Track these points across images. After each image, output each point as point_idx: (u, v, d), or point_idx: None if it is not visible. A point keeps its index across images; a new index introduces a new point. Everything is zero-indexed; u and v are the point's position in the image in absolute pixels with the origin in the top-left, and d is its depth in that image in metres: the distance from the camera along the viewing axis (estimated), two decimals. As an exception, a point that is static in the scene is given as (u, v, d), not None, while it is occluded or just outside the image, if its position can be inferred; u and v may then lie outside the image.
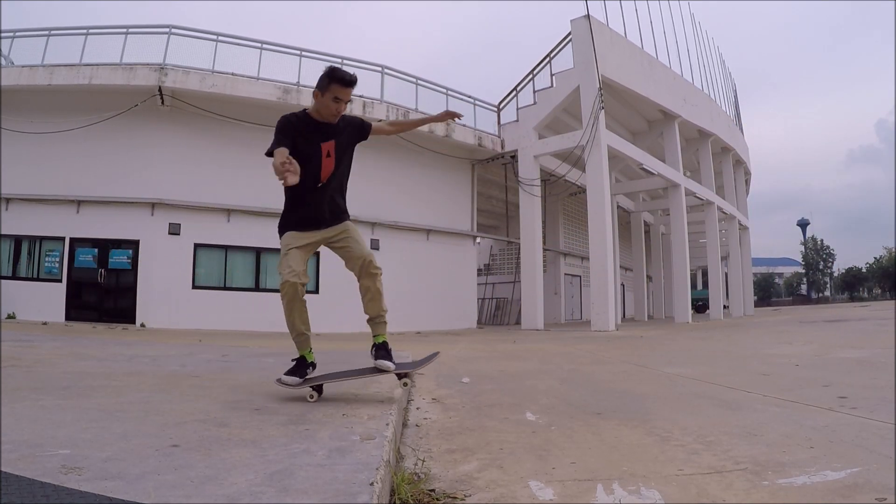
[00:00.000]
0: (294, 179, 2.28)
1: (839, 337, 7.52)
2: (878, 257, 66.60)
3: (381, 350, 2.68)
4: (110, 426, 1.89)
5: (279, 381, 2.68)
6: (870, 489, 1.50)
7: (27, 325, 9.84)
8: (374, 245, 13.37)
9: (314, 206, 2.64)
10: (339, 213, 2.71)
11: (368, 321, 2.75)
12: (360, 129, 2.77)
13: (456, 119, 2.99)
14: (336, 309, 12.86)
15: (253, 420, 2.08)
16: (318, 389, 2.62)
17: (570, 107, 14.56)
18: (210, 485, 1.29)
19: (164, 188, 11.86)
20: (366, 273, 2.64)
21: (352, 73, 2.53)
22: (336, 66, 2.58)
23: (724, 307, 22.78)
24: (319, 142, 2.58)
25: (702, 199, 19.24)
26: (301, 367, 2.69)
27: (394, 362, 2.65)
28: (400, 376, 2.67)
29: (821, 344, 6.49)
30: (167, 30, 12.01)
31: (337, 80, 2.51)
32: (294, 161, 2.32)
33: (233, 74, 12.11)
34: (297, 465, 1.46)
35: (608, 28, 14.34)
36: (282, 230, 2.70)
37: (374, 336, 2.73)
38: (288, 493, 1.24)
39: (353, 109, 12.73)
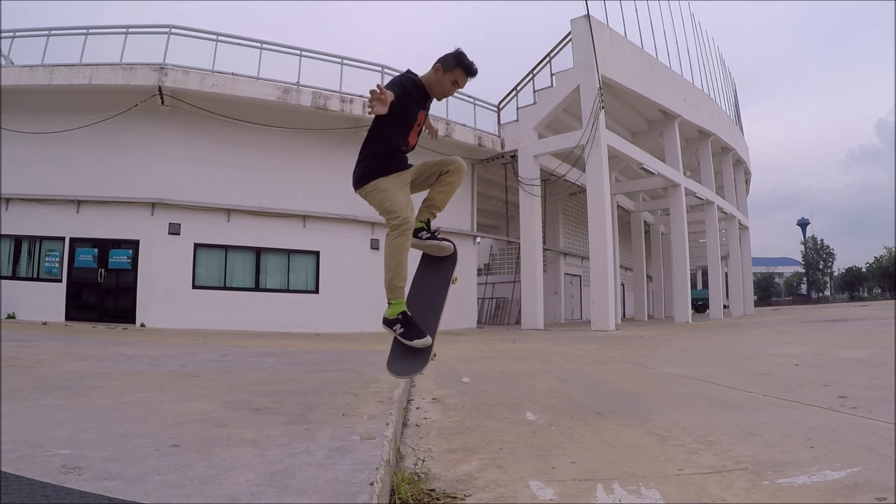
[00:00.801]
0: (381, 109, 2.26)
1: (839, 337, 7.52)
2: (878, 257, 66.54)
3: (437, 233, 2.77)
4: (110, 426, 1.89)
5: (409, 342, 2.47)
6: (870, 489, 1.50)
7: (27, 325, 9.84)
8: (375, 245, 13.37)
9: (402, 159, 2.68)
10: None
11: (425, 208, 2.79)
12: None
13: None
14: (335, 309, 12.92)
15: (253, 420, 2.08)
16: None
17: (570, 107, 14.56)
18: (210, 485, 1.29)
19: (164, 188, 11.86)
20: (455, 172, 2.71)
21: (476, 65, 2.57)
22: (464, 52, 2.58)
23: (724, 307, 22.79)
24: (420, 109, 2.64)
25: (702, 199, 19.24)
26: (413, 322, 2.52)
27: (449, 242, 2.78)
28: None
29: (821, 344, 6.49)
30: (167, 30, 12.01)
31: (463, 67, 2.56)
32: (388, 93, 2.28)
33: (233, 74, 12.10)
34: (297, 465, 1.46)
35: (608, 28, 14.34)
36: (370, 177, 2.60)
37: (421, 220, 2.77)
38: (288, 493, 1.24)
39: (354, 109, 12.75)
